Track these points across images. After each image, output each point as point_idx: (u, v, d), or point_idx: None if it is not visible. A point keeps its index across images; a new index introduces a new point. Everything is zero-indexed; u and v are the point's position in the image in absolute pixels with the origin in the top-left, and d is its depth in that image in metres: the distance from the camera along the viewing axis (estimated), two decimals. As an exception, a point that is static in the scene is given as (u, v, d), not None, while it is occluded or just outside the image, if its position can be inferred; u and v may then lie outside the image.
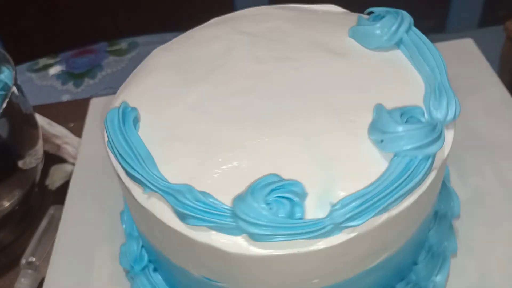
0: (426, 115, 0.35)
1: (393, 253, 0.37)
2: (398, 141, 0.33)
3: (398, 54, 0.40)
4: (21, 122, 0.57)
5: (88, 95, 0.80)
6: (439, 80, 0.37)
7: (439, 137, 0.33)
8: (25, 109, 0.58)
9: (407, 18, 0.40)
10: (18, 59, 0.63)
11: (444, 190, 0.46)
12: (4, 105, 0.52)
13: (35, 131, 0.60)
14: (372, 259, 0.36)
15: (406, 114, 0.34)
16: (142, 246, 0.46)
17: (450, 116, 0.35)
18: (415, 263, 0.43)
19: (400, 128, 0.33)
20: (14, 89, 0.54)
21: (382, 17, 0.40)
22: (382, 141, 0.34)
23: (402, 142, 0.33)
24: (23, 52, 0.83)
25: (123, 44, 0.91)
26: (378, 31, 0.40)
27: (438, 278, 0.42)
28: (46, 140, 0.63)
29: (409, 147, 0.32)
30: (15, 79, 0.55)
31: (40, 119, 0.64)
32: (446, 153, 0.36)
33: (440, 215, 0.45)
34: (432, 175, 0.34)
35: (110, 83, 0.83)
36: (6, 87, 0.56)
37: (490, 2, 1.26)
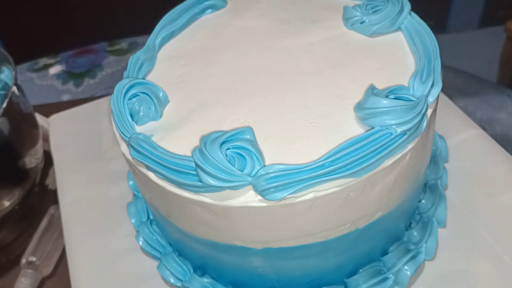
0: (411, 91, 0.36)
1: (384, 214, 0.38)
2: (379, 116, 0.34)
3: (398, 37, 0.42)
4: (21, 122, 0.57)
5: (89, 95, 0.80)
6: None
7: (419, 114, 0.34)
8: (25, 109, 0.58)
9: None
10: (18, 59, 0.63)
11: (434, 163, 0.48)
12: (4, 105, 0.52)
13: (35, 131, 0.60)
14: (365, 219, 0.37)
15: (391, 93, 0.36)
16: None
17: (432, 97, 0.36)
18: (407, 230, 0.45)
19: (380, 104, 0.34)
20: (14, 89, 0.54)
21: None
22: (365, 116, 0.35)
23: (384, 117, 0.34)
24: (23, 52, 0.83)
25: (123, 44, 0.91)
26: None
27: (429, 244, 0.43)
28: (46, 140, 0.64)
29: (389, 122, 0.34)
30: (15, 79, 0.55)
31: (40, 119, 0.64)
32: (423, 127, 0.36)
33: (430, 185, 0.47)
34: (408, 148, 0.35)
35: (110, 83, 0.83)
36: (6, 87, 0.56)
37: (490, 2, 1.26)
